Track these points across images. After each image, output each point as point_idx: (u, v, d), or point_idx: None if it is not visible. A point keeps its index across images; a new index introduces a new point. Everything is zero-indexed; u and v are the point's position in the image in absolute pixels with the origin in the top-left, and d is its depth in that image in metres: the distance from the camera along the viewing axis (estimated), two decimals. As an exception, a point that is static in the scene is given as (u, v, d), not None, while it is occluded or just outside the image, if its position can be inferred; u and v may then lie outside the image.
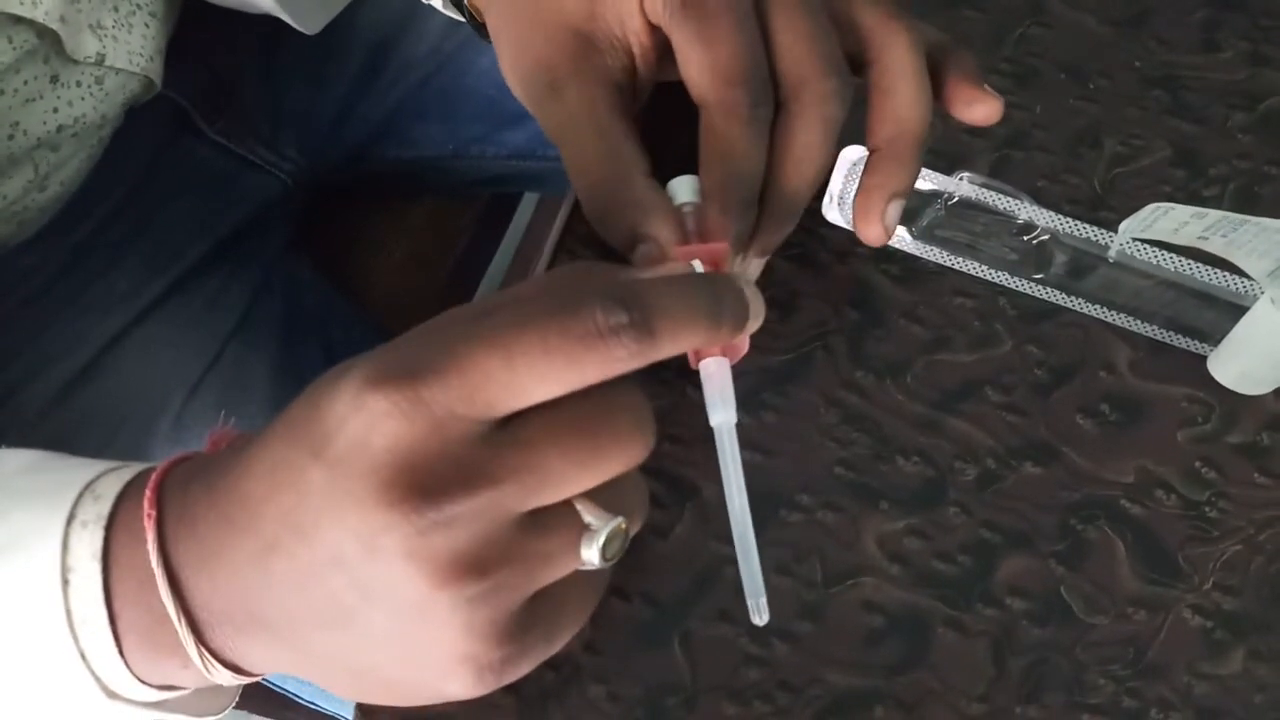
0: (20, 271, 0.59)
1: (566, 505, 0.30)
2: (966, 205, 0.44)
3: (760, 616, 0.33)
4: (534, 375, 0.28)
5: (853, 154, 0.42)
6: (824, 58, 0.37)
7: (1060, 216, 0.43)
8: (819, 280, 0.44)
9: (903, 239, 0.44)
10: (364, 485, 0.28)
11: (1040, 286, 0.44)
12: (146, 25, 0.57)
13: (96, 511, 0.32)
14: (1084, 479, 0.40)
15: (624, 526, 0.30)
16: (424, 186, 0.77)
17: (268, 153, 0.70)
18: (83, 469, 0.33)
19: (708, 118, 0.37)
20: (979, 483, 0.40)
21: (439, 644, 0.29)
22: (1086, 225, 0.43)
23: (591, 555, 0.30)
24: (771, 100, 0.37)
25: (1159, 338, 0.43)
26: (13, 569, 0.31)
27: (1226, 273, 0.41)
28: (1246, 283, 0.41)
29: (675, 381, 0.41)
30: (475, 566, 0.28)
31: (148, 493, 0.31)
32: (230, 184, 0.68)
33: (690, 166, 0.37)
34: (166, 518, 0.31)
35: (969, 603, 0.38)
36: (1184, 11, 0.51)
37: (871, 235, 0.39)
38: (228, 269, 0.65)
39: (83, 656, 0.31)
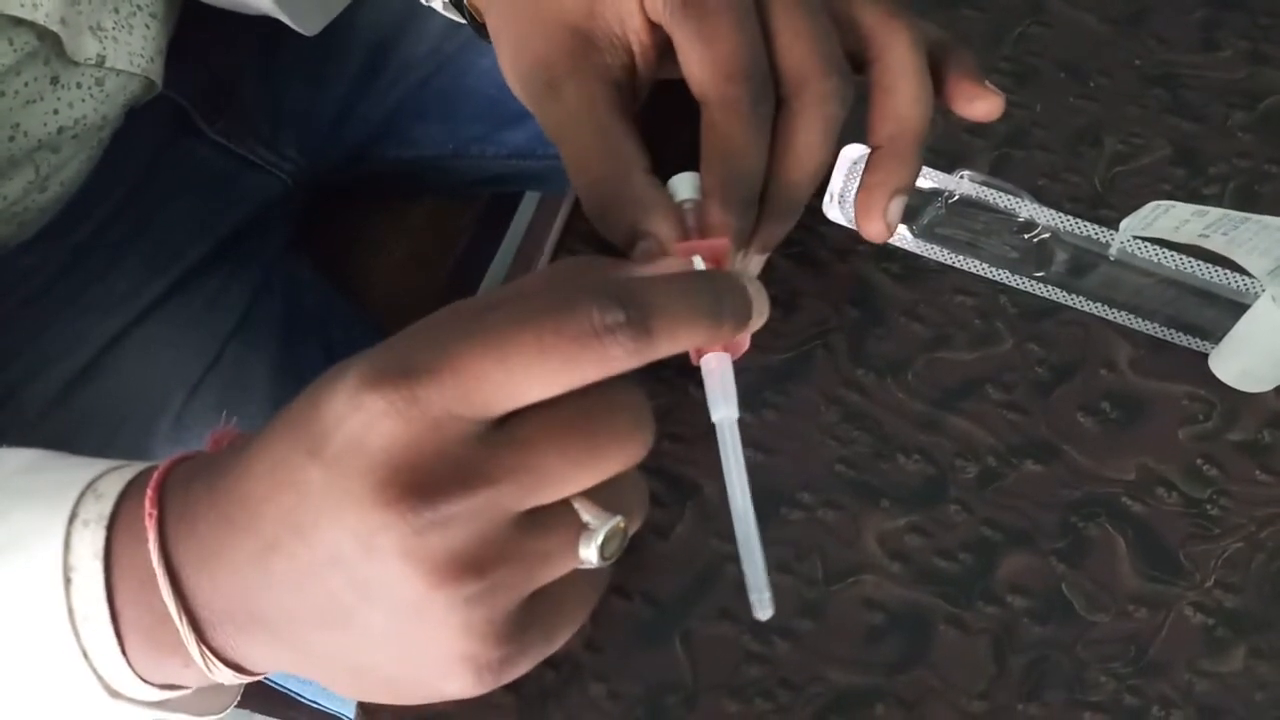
0: (20, 272, 0.59)
1: (564, 504, 0.30)
2: (967, 203, 0.44)
3: (764, 611, 0.32)
4: (529, 375, 0.28)
5: (853, 152, 0.42)
6: (824, 56, 0.37)
7: (1061, 215, 0.43)
8: (820, 279, 0.44)
9: (903, 237, 0.44)
10: (361, 484, 0.28)
11: (1041, 284, 0.43)
12: (147, 26, 0.57)
13: (98, 511, 0.32)
14: (1085, 477, 0.40)
15: (622, 525, 0.30)
16: (424, 186, 0.77)
17: (268, 153, 0.70)
18: (84, 468, 0.33)
19: (709, 114, 0.37)
20: (980, 480, 0.40)
21: (437, 643, 0.29)
22: (1087, 223, 0.43)
23: (590, 554, 0.30)
24: (772, 97, 0.37)
25: (1160, 335, 0.43)
26: (14, 568, 0.31)
27: (1227, 271, 0.42)
28: (1247, 280, 0.42)
29: (676, 380, 0.41)
30: (472, 566, 0.28)
31: (149, 492, 0.31)
32: (230, 184, 0.68)
33: (691, 164, 0.37)
34: (168, 517, 0.31)
35: (970, 600, 0.38)
36: (1184, 10, 0.51)
37: (874, 231, 0.39)
38: (228, 269, 0.65)
39: (85, 655, 0.31)
